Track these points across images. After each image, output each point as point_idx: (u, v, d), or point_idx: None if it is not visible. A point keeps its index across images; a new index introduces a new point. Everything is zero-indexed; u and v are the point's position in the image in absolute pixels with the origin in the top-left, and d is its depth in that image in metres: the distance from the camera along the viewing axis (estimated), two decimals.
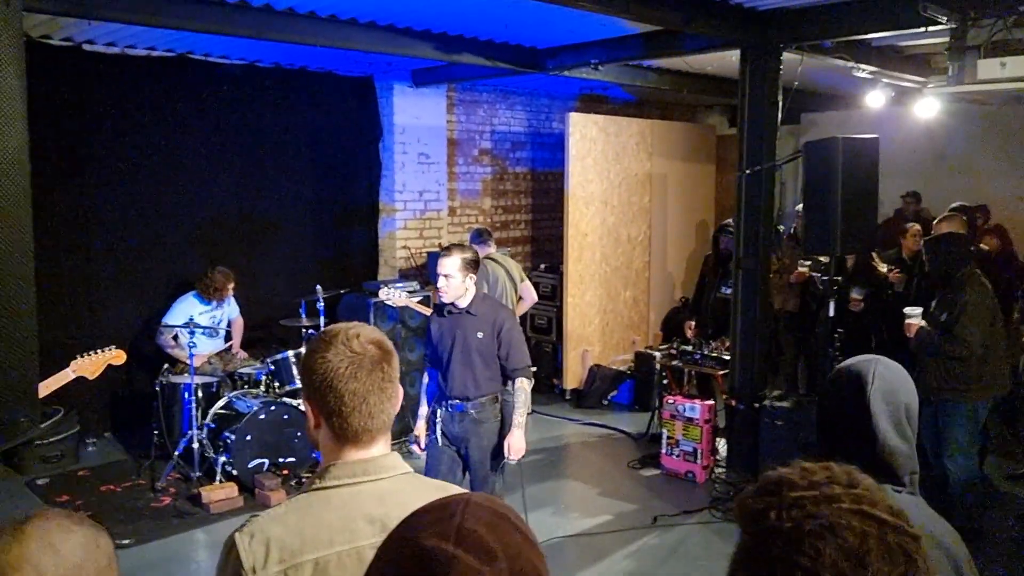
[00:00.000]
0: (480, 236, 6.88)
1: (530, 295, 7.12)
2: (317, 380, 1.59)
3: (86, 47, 6.65)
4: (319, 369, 1.59)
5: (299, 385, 6.18)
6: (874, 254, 6.83)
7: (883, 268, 6.73)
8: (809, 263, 7.29)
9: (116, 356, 4.30)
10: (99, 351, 4.25)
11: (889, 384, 1.84)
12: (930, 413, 5.32)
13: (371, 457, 1.61)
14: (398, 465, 1.65)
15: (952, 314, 5.03)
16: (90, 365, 4.16)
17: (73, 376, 4.08)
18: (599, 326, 8.99)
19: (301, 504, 1.58)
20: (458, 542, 0.94)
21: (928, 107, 7.11)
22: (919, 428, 1.91)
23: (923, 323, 5.16)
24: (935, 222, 6.16)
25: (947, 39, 4.91)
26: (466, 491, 1.12)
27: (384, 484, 1.60)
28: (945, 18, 4.65)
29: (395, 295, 6.80)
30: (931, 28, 4.92)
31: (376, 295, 7.02)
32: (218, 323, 6.91)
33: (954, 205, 6.89)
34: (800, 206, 7.47)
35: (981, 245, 6.95)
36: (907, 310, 5.27)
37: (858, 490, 1.02)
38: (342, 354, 1.59)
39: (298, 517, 1.55)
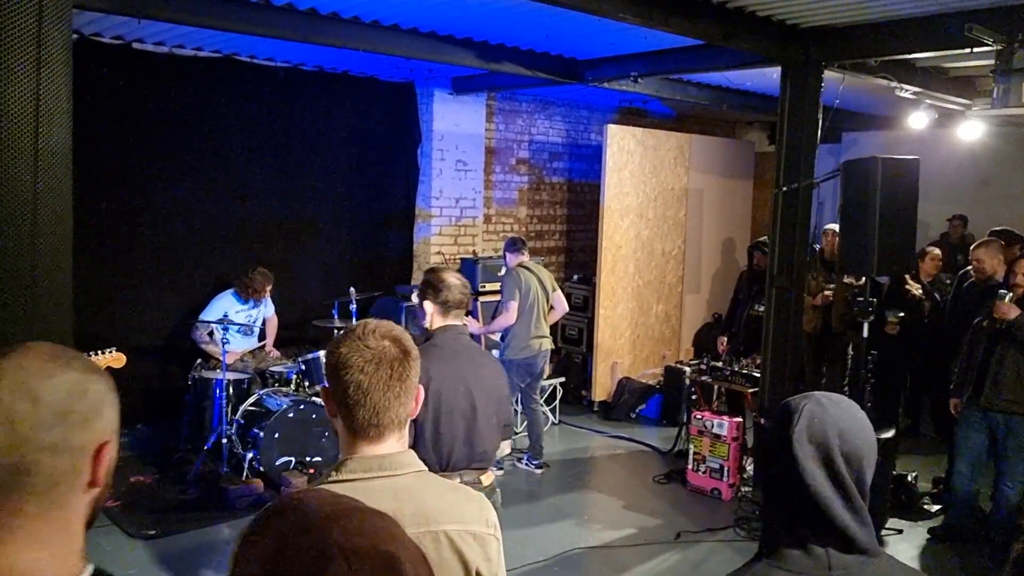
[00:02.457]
0: (514, 244, 6.91)
1: (561, 305, 7.12)
2: (330, 370, 1.67)
3: (136, 46, 6.80)
4: (332, 360, 1.66)
5: None
6: (907, 276, 6.74)
7: (916, 291, 6.65)
8: (833, 286, 7.19)
9: (115, 359, 4.27)
10: (101, 353, 4.20)
11: (819, 423, 1.50)
12: (983, 433, 5.24)
13: (386, 453, 1.65)
14: (412, 462, 1.68)
15: None
16: None
17: None
18: (630, 339, 8.96)
19: None
20: (360, 569, 0.88)
21: (972, 129, 7.02)
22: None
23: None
24: (972, 247, 6.07)
25: (993, 61, 4.83)
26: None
27: (399, 480, 1.63)
28: (991, 39, 4.59)
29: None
30: (976, 49, 4.86)
31: (408, 298, 7.09)
32: (254, 322, 7.01)
33: (995, 229, 6.77)
34: (828, 226, 7.40)
35: None
36: (1001, 291, 5.16)
37: None
38: (354, 347, 1.65)
39: None
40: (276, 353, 7.26)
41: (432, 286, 3.32)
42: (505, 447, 3.62)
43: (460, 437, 3.24)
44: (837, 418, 1.52)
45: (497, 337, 7.06)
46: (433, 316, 3.33)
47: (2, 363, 1.12)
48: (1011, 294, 5.11)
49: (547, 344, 6.91)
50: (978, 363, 5.30)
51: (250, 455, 6.05)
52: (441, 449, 3.21)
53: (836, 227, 7.36)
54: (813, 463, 1.48)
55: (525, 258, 6.90)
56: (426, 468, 1.71)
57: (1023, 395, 5.05)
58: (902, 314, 6.48)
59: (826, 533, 1.48)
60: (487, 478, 3.40)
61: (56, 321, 1.80)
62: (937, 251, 7.32)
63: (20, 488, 1.09)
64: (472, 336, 7.55)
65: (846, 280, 6.90)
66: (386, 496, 1.59)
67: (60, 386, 1.12)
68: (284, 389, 6.55)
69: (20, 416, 1.08)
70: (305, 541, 0.92)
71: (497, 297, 7.53)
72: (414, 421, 2.98)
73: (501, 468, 6.80)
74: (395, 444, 1.67)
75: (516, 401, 6.97)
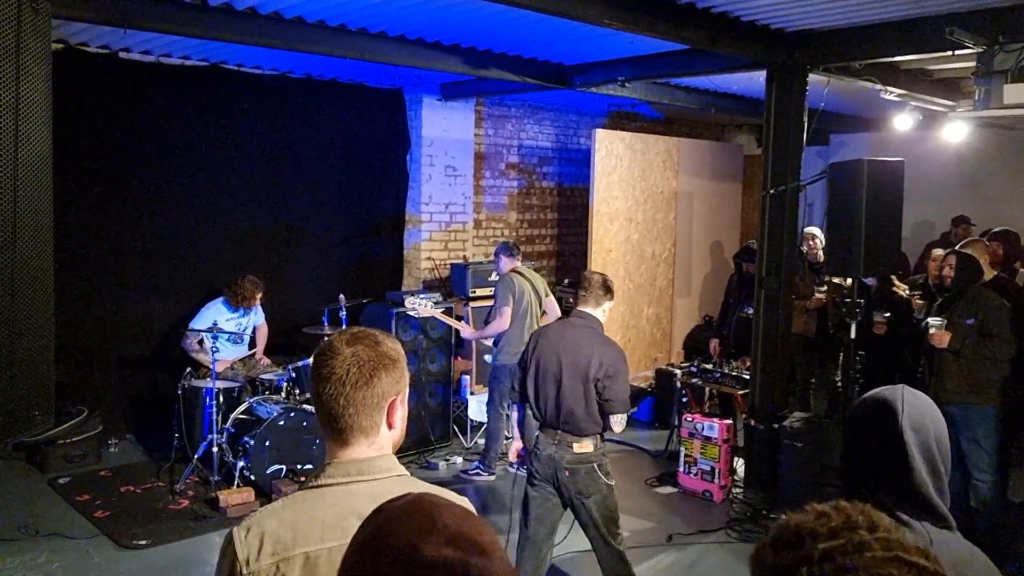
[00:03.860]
0: (508, 249, 6.90)
1: (554, 310, 7.13)
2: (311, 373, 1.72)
3: (122, 55, 6.80)
4: (311, 363, 1.71)
5: None
6: (893, 277, 6.78)
7: (902, 292, 6.69)
8: (825, 288, 7.23)
9: None
10: None
11: (919, 413, 1.75)
12: (950, 427, 5.33)
13: (366, 458, 1.66)
14: (392, 467, 1.69)
15: (979, 318, 5.16)
16: None
17: None
18: (621, 342, 8.96)
19: (297, 500, 1.65)
20: (456, 546, 0.94)
21: (956, 131, 7.06)
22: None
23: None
24: (958, 247, 6.12)
25: (975, 63, 4.88)
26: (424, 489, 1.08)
27: (378, 484, 1.64)
28: (972, 42, 4.63)
29: (421, 305, 6.87)
30: (958, 52, 4.90)
31: (399, 305, 7.10)
32: (244, 330, 7.00)
33: (997, 229, 6.83)
34: (808, 228, 7.43)
35: (1019, 268, 6.90)
36: (931, 320, 5.34)
37: (884, 534, 0.96)
38: (320, 354, 1.68)
39: (293, 512, 1.61)
40: (266, 361, 7.25)
41: (578, 282, 4.47)
42: (615, 424, 4.23)
43: (552, 399, 4.20)
44: (927, 409, 1.78)
45: (489, 342, 7.06)
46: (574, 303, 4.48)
47: None
48: (942, 322, 5.28)
49: None
50: (925, 359, 5.50)
51: (241, 463, 6.04)
52: (539, 404, 4.27)
53: (815, 230, 7.41)
54: (918, 452, 1.71)
55: (518, 263, 6.90)
56: (407, 472, 1.72)
57: (964, 384, 5.21)
58: (888, 314, 6.51)
59: (919, 509, 1.71)
60: (581, 446, 4.17)
61: (37, 332, 1.80)
62: (939, 252, 7.31)
63: None
64: (463, 341, 7.65)
65: (836, 281, 6.94)
66: (365, 499, 1.61)
67: None
68: (274, 397, 6.54)
69: None
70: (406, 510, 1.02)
71: (488, 302, 7.54)
72: (523, 380, 4.31)
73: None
74: (365, 450, 1.67)
75: (507, 407, 6.97)
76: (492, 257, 8.67)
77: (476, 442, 7.60)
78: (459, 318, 7.55)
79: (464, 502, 1.79)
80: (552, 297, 7.14)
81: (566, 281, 9.51)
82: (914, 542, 0.97)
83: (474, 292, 8.12)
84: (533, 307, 6.78)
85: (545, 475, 4.25)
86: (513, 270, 6.80)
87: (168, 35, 5.83)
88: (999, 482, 5.40)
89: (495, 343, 6.85)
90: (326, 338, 1.74)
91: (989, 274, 5.89)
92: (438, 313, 7.01)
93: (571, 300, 4.37)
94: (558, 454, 4.18)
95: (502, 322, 6.66)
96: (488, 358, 7.13)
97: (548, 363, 4.20)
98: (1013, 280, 6.54)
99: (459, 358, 7.84)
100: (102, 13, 4.83)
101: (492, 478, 6.82)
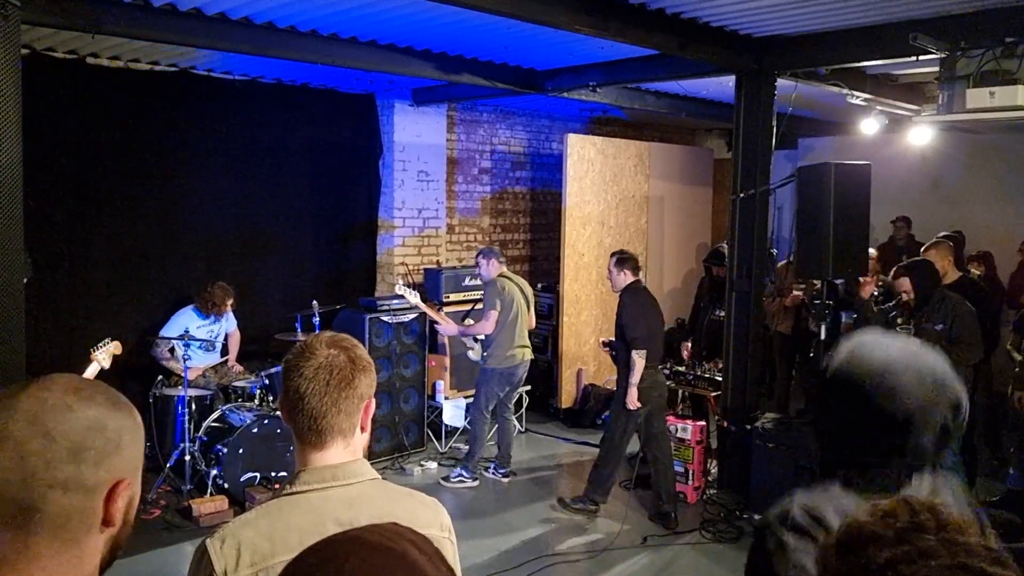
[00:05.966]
0: (496, 253, 6.90)
1: (531, 323, 7.17)
2: (281, 377, 1.70)
3: (90, 60, 6.72)
4: (282, 368, 1.70)
5: None
6: (860, 279, 6.89)
7: (866, 294, 6.81)
8: (804, 286, 7.34)
9: (115, 347, 5.27)
10: (103, 343, 5.21)
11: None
12: None
13: (339, 463, 1.66)
14: (366, 471, 1.69)
15: (947, 323, 5.27)
16: (105, 355, 5.06)
17: (102, 366, 4.87)
18: (594, 346, 9.01)
19: (272, 508, 1.63)
20: None
21: (920, 135, 7.19)
22: None
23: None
24: (923, 249, 6.23)
25: (938, 68, 4.97)
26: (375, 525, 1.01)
27: (353, 489, 1.64)
28: (935, 48, 4.72)
29: (410, 294, 6.88)
30: (922, 57, 4.99)
31: (372, 311, 7.10)
32: (215, 337, 6.94)
33: (942, 233, 6.96)
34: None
35: (972, 271, 7.02)
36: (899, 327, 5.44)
37: (950, 535, 0.92)
38: (299, 355, 1.67)
39: (269, 521, 1.59)
40: (239, 368, 7.20)
41: (623, 261, 6.24)
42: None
43: (660, 340, 6.24)
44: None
45: (469, 342, 7.05)
46: (627, 276, 6.19)
47: (20, 395, 1.09)
48: (910, 328, 5.40)
49: (528, 354, 6.95)
50: None
51: (214, 472, 5.99)
52: (655, 347, 6.07)
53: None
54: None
55: (504, 268, 6.92)
56: (379, 476, 1.72)
57: None
58: (856, 315, 6.61)
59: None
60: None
61: (8, 337, 1.78)
62: (873, 251, 7.43)
63: (29, 525, 1.06)
64: (436, 340, 7.67)
65: (814, 280, 7.06)
66: (341, 505, 1.61)
67: (77, 422, 1.10)
68: (248, 404, 6.50)
69: (32, 451, 1.05)
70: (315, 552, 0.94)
71: (462, 308, 7.56)
72: (646, 333, 5.97)
73: None
74: (341, 452, 1.67)
75: (489, 410, 6.93)
76: (466, 262, 8.70)
77: (451, 447, 7.60)
78: (434, 323, 7.53)
79: (435, 503, 1.79)
80: (532, 311, 7.11)
81: (539, 285, 9.51)
82: (980, 539, 0.93)
83: (447, 297, 8.12)
84: (522, 312, 6.81)
85: (663, 398, 6.26)
86: (501, 275, 6.81)
87: (137, 40, 5.78)
88: (964, 481, 5.51)
89: (484, 347, 6.85)
90: (299, 342, 1.74)
91: (954, 275, 6.01)
92: (424, 306, 7.04)
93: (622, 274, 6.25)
94: (661, 378, 6.30)
95: (486, 325, 6.69)
96: (472, 355, 7.08)
97: (655, 316, 6.12)
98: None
99: (432, 362, 7.83)
100: (72, 19, 4.78)
101: (476, 484, 6.78)
